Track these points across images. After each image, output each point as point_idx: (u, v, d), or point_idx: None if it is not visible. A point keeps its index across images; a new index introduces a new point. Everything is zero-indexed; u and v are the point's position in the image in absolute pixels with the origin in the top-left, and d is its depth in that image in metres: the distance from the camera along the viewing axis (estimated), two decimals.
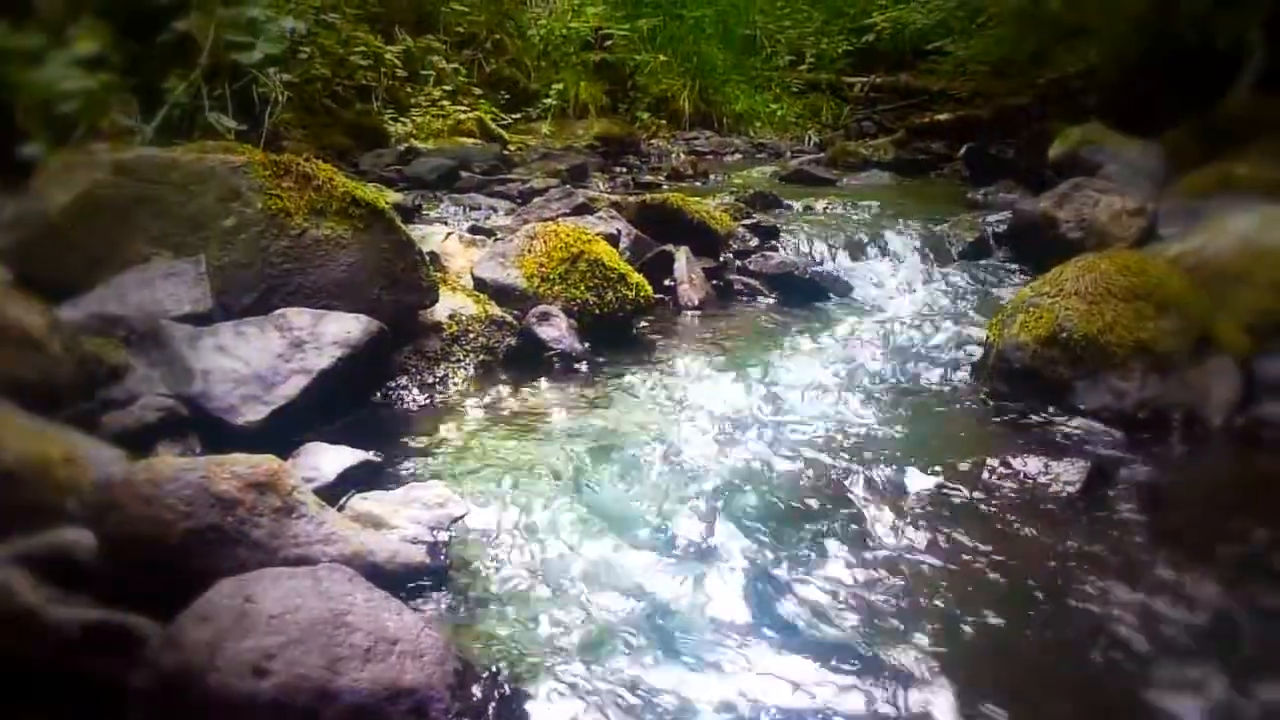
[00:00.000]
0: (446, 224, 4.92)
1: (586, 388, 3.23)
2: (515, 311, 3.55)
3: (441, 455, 2.66)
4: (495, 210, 5.61)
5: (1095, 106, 7.27)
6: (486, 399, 3.12)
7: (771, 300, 4.48)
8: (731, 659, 1.83)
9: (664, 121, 10.49)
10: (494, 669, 1.72)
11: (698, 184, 7.45)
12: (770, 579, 2.09)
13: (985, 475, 2.56)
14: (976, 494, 2.50)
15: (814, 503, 2.44)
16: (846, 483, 2.53)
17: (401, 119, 8.23)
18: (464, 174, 6.72)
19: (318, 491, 2.09)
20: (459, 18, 9.56)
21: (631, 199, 5.27)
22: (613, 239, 4.21)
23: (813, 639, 1.90)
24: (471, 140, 8.11)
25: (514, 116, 9.35)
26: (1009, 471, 2.58)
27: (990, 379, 3.19)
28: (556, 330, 3.43)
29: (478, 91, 9.15)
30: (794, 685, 1.75)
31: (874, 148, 9.10)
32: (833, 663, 1.82)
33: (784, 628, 1.93)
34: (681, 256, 4.44)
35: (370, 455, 2.45)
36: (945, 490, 2.52)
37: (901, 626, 1.94)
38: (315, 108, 7.01)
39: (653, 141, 9.80)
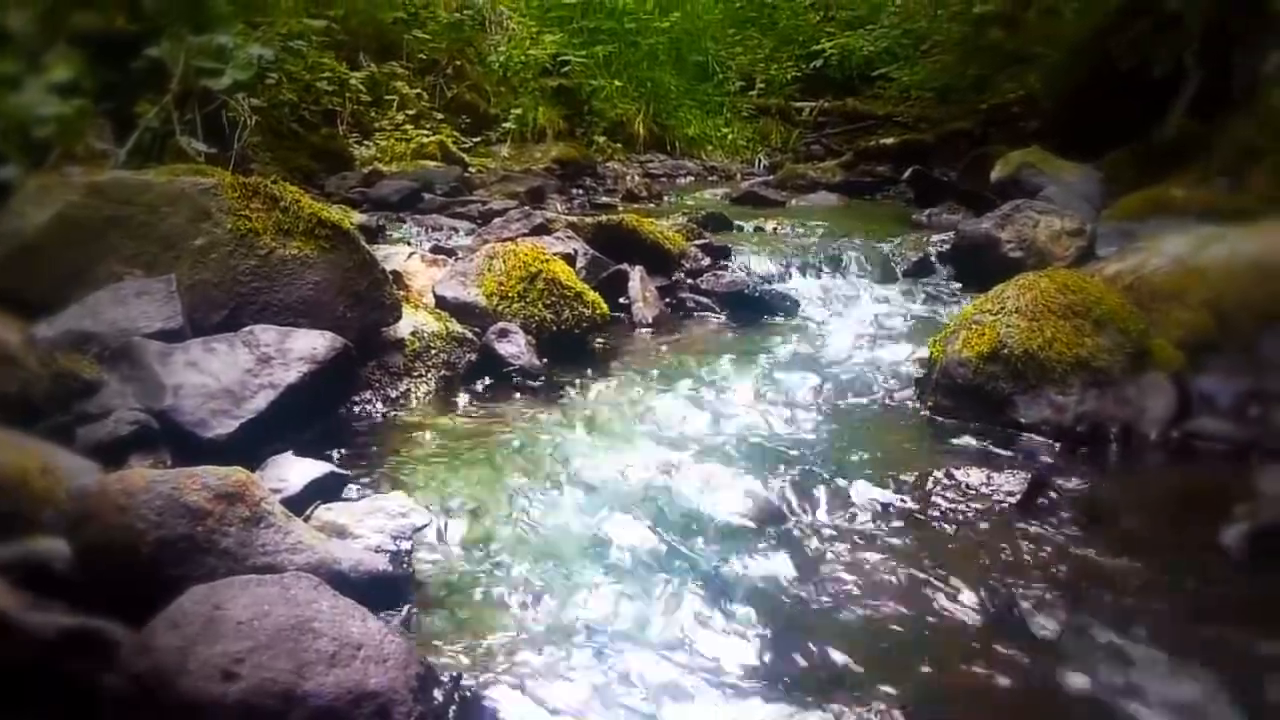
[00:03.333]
0: (409, 244, 4.96)
1: (544, 402, 3.27)
2: (475, 328, 3.60)
3: (404, 467, 2.69)
4: (456, 231, 5.68)
5: (1035, 131, 7.43)
6: (448, 413, 3.16)
7: (722, 318, 4.53)
8: (678, 666, 1.86)
9: (619, 145, 10.53)
10: (456, 673, 1.75)
11: (652, 205, 7.54)
12: (714, 591, 2.11)
13: (928, 487, 2.59)
14: (919, 505, 2.53)
15: (759, 515, 2.46)
16: (791, 495, 2.55)
17: (365, 143, 8.27)
18: (426, 196, 6.77)
19: (285, 502, 2.11)
20: (421, 45, 9.60)
21: (588, 220, 5.30)
22: (570, 258, 4.26)
23: (754, 649, 1.93)
24: (433, 163, 8.12)
25: (474, 140, 9.39)
26: (951, 483, 2.61)
27: (934, 394, 3.22)
28: (515, 347, 3.47)
29: (439, 116, 9.19)
30: (739, 693, 1.79)
31: (822, 170, 9.25)
32: (773, 670, 1.87)
33: (728, 639, 1.96)
34: (636, 275, 4.50)
35: (336, 467, 2.48)
36: (889, 501, 2.55)
37: (840, 636, 1.98)
38: (282, 132, 7.00)
39: (608, 164, 9.84)
